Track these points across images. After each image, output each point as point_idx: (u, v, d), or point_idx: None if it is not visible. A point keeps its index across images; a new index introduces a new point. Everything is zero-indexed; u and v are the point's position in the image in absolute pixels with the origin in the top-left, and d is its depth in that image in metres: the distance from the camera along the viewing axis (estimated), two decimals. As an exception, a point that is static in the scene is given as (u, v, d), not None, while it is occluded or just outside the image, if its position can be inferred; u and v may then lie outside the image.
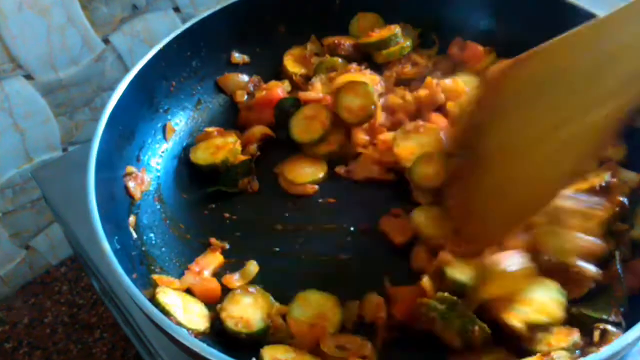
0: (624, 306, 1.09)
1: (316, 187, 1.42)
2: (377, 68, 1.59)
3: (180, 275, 1.27)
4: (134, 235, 1.29)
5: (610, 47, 0.96)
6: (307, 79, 1.61)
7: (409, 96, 1.48)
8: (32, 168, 2.01)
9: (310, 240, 1.33)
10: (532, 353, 1.03)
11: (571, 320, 1.09)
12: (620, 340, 0.95)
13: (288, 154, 1.48)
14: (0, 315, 2.19)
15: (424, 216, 1.28)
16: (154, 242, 1.33)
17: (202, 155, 1.46)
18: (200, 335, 1.12)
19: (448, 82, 1.48)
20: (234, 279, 1.25)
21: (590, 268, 1.10)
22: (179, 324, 1.06)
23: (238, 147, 1.44)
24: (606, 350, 0.93)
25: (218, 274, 1.28)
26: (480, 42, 1.62)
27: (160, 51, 1.48)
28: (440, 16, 1.67)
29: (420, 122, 1.42)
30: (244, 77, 1.66)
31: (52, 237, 2.25)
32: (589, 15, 1.44)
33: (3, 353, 2.08)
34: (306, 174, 1.43)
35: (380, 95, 1.49)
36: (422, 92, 1.47)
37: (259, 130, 1.50)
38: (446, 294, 1.07)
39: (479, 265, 1.09)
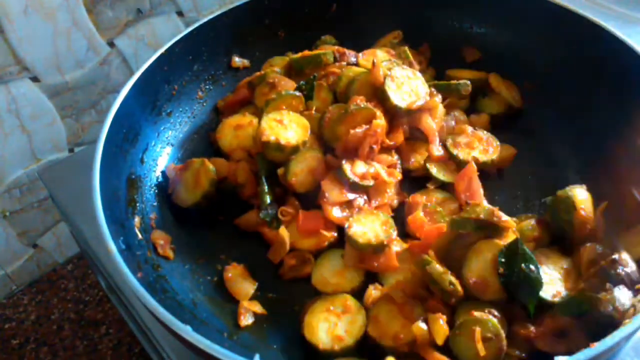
0: None
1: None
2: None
3: (185, 273, 1.32)
4: (139, 235, 1.31)
5: None
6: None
7: None
8: (38, 168, 2.04)
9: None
10: None
11: None
12: (613, 337, 0.96)
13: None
14: (8, 312, 2.22)
15: None
16: (158, 241, 1.35)
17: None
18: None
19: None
20: None
21: None
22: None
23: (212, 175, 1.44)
24: (599, 346, 0.95)
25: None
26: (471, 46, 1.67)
27: (162, 55, 1.51)
28: (432, 20, 1.71)
29: None
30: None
31: (59, 235, 2.28)
32: (580, 19, 1.48)
33: (10, 349, 2.11)
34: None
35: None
36: None
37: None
38: None
39: None
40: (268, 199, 1.38)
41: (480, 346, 1.08)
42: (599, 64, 1.47)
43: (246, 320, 1.25)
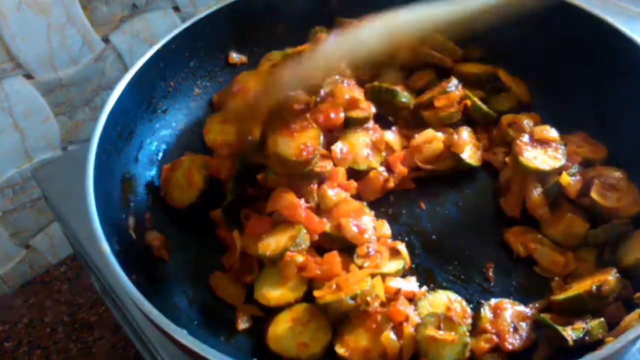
0: None
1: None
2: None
3: (180, 274, 1.30)
4: (134, 236, 1.29)
5: None
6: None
7: None
8: (31, 167, 2.02)
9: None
10: None
11: None
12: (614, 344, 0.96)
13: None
14: (0, 314, 2.20)
15: None
16: (153, 242, 1.33)
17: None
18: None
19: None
20: None
21: None
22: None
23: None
24: (605, 350, 0.94)
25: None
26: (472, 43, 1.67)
27: (158, 52, 1.49)
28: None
29: None
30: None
31: (52, 236, 2.26)
32: (584, 13, 1.47)
33: (3, 352, 2.09)
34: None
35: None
36: None
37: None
38: None
39: None
40: (231, 198, 1.35)
41: (446, 335, 1.10)
42: (603, 59, 1.46)
43: (243, 323, 1.23)
